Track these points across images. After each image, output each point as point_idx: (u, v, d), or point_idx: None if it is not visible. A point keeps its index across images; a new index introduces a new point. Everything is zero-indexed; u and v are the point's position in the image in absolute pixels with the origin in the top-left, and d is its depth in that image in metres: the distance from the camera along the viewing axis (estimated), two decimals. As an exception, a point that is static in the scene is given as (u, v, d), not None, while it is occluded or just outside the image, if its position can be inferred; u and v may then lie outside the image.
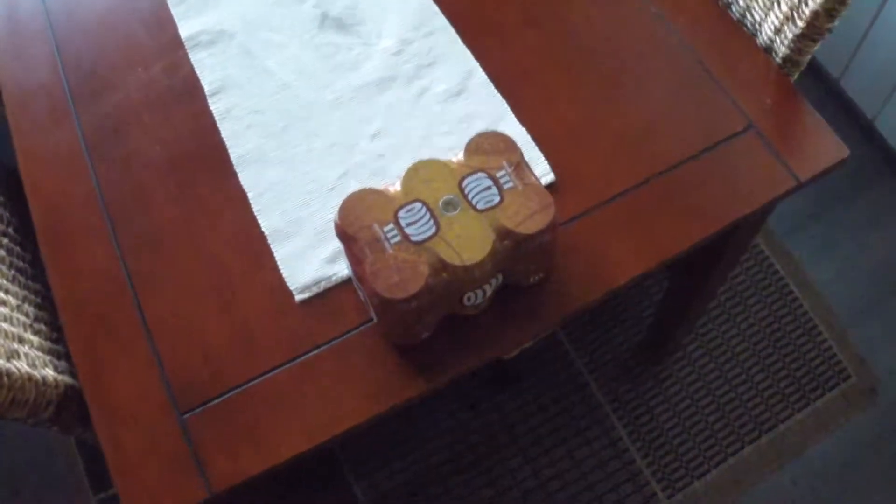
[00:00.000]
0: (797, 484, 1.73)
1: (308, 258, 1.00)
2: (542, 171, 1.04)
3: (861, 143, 2.06)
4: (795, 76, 1.14)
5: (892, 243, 1.98)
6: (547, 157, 1.06)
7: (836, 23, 1.06)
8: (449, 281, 0.85)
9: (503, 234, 0.86)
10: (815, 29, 1.07)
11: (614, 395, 1.81)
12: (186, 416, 0.92)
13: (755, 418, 1.79)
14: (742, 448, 1.76)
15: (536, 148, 1.06)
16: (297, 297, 0.98)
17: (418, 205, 0.87)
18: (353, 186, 1.04)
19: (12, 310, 1.04)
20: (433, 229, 0.86)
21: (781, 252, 1.94)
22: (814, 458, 1.75)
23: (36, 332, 1.05)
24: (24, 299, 1.08)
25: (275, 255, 1.01)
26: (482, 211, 0.87)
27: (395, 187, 0.90)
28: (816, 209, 2.00)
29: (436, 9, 1.19)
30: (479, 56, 1.14)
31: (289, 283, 0.99)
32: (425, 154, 1.06)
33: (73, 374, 1.02)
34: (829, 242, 1.97)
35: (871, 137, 2.05)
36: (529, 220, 0.86)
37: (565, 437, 1.77)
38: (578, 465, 1.75)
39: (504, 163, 0.90)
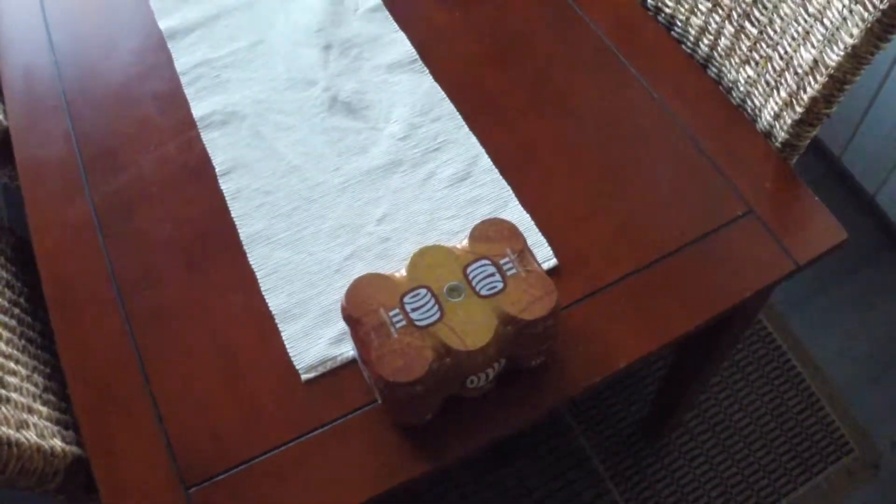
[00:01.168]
0: (800, 561, 1.73)
1: (314, 338, 1.02)
2: (545, 255, 1.07)
3: (862, 218, 2.09)
4: (794, 160, 1.17)
5: (891, 316, 2.00)
6: (549, 241, 1.08)
7: (834, 108, 1.09)
8: (452, 365, 0.87)
9: (506, 319, 0.88)
10: (813, 115, 1.10)
11: (616, 470, 1.81)
12: (192, 490, 0.93)
13: (758, 493, 1.78)
14: (745, 524, 1.76)
15: (539, 233, 1.09)
16: (304, 377, 0.99)
17: (423, 290, 0.89)
18: (359, 268, 1.07)
19: (22, 380, 1.05)
20: (438, 315, 0.88)
21: (783, 327, 1.96)
22: (817, 533, 1.75)
23: (45, 403, 1.06)
24: (34, 369, 1.10)
25: (282, 334, 1.03)
26: (486, 297, 0.89)
27: (401, 272, 0.92)
28: (819, 283, 2.01)
29: (442, 94, 1.22)
30: (484, 141, 1.18)
31: (295, 363, 1.00)
32: (431, 238, 1.09)
33: (80, 444, 1.03)
34: (830, 317, 1.98)
35: (873, 213, 2.07)
36: (532, 306, 0.88)
37: (568, 513, 1.77)
38: (582, 541, 1.75)
39: (507, 250, 0.92)
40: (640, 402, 1.88)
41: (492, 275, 0.90)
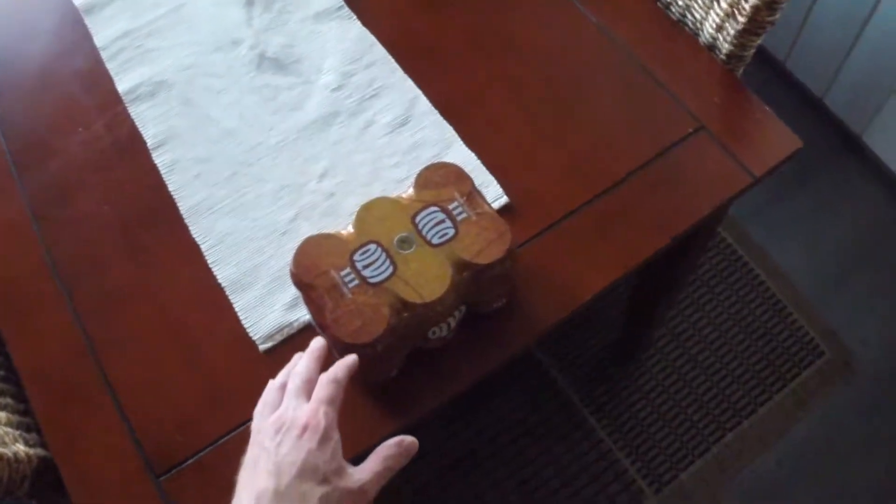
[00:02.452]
0: (782, 465, 1.74)
1: (268, 306, 0.99)
2: (495, 194, 1.04)
3: (812, 122, 2.07)
4: (740, 71, 1.14)
5: (850, 218, 2.00)
6: (499, 180, 1.05)
7: (778, 15, 1.06)
8: (411, 319, 0.85)
9: (461, 266, 0.86)
10: (756, 23, 1.07)
11: (591, 398, 1.81)
12: (163, 478, 0.91)
13: (734, 405, 1.79)
14: (724, 436, 1.77)
15: (487, 171, 1.06)
16: (261, 347, 0.97)
17: (373, 246, 0.86)
18: (306, 228, 1.03)
19: (-26, 389, 1.02)
20: (390, 269, 0.85)
21: (743, 238, 1.95)
22: (796, 437, 1.76)
23: (3, 408, 1.02)
24: (-13, 376, 1.06)
25: (234, 306, 0.99)
26: (438, 245, 0.86)
27: (348, 230, 0.89)
28: (775, 191, 2.01)
29: (373, 39, 1.18)
30: (421, 84, 1.14)
31: (251, 334, 0.97)
32: (376, 188, 1.06)
33: (44, 445, 1.00)
34: (789, 223, 1.98)
35: (822, 116, 2.06)
36: (486, 249, 0.86)
37: (547, 445, 1.77)
38: (563, 472, 1.75)
39: (455, 194, 0.89)
40: (608, 328, 1.88)
41: (442, 221, 0.88)
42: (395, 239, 0.86)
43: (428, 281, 0.84)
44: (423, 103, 1.12)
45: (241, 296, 1.00)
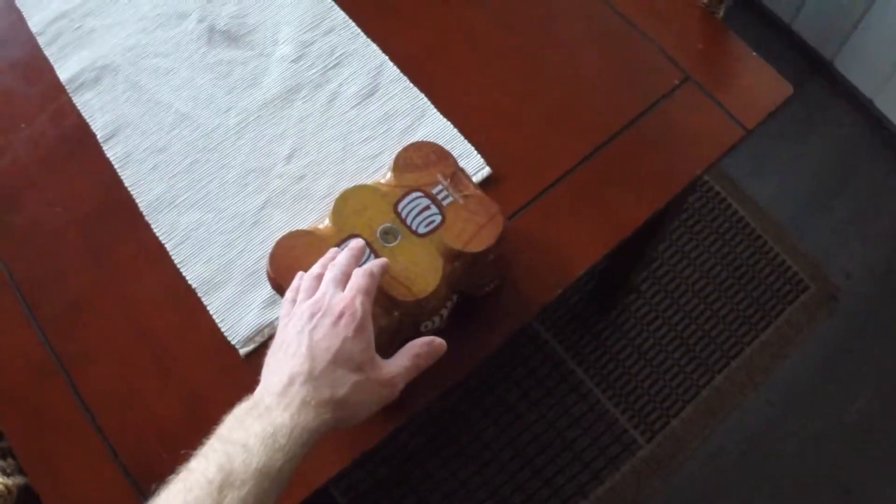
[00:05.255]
0: (773, 403, 1.72)
1: (244, 306, 0.92)
2: (477, 165, 0.98)
3: (780, 48, 2.02)
4: (721, 13, 1.08)
5: (823, 148, 1.96)
6: (479, 149, 0.99)
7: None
8: (402, 318, 0.79)
9: (452, 256, 0.80)
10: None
11: (575, 349, 1.77)
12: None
13: (721, 346, 1.76)
14: (713, 378, 1.74)
15: (466, 141, 0.99)
16: (242, 351, 0.90)
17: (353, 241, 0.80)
18: (278, 216, 0.97)
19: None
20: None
21: (718, 174, 1.90)
22: (785, 374, 1.74)
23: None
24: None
25: (208, 308, 0.93)
26: (425, 235, 0.80)
27: (325, 223, 0.82)
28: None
29: (330, 2, 1.10)
30: (386, 48, 1.06)
31: (229, 337, 0.91)
32: (349, 167, 0.99)
33: (24, 471, 0.93)
34: (763, 155, 1.94)
35: (791, 42, 2.01)
36: (478, 236, 0.80)
37: (535, 400, 1.73)
38: (553, 426, 1.71)
39: (438, 176, 0.83)
40: (589, 275, 1.83)
41: (426, 208, 0.81)
42: (378, 231, 0.80)
43: (418, 275, 0.78)
44: (391, 70, 1.05)
45: (215, 296, 0.93)
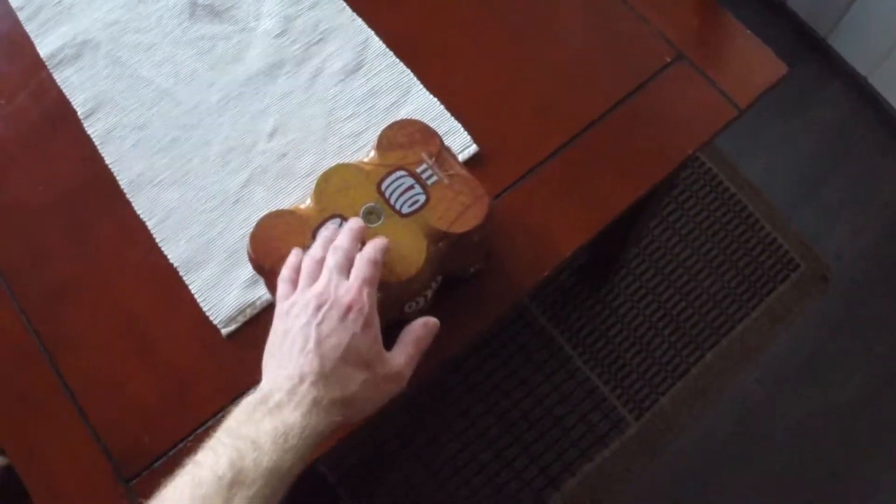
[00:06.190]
0: (763, 382, 1.72)
1: (226, 285, 0.91)
2: (463, 142, 0.96)
3: (773, 26, 2.00)
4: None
5: (816, 127, 1.94)
6: (465, 126, 0.97)
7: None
8: (386, 299, 0.77)
9: (436, 236, 0.78)
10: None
11: (565, 326, 1.76)
12: (133, 482, 0.84)
13: (711, 323, 1.76)
14: (703, 356, 1.73)
15: (452, 118, 0.98)
16: (224, 331, 0.89)
17: (336, 220, 0.78)
18: (260, 194, 0.95)
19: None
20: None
21: (711, 151, 1.89)
22: (776, 353, 1.74)
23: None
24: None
25: (189, 287, 0.91)
26: (408, 215, 0.79)
27: (307, 203, 0.81)
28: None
29: (315, -24, 1.08)
30: (372, 23, 1.04)
31: (211, 317, 0.89)
32: (331, 145, 0.97)
33: (4, 453, 0.92)
34: (755, 132, 1.92)
35: (784, 18, 1.99)
36: (463, 216, 0.78)
37: (523, 377, 1.72)
38: (541, 403, 1.71)
39: (423, 155, 0.81)
40: (578, 252, 1.82)
41: (410, 187, 0.80)
42: (361, 211, 0.79)
43: (402, 256, 0.77)
44: (376, 45, 1.03)
45: (197, 275, 0.92)
